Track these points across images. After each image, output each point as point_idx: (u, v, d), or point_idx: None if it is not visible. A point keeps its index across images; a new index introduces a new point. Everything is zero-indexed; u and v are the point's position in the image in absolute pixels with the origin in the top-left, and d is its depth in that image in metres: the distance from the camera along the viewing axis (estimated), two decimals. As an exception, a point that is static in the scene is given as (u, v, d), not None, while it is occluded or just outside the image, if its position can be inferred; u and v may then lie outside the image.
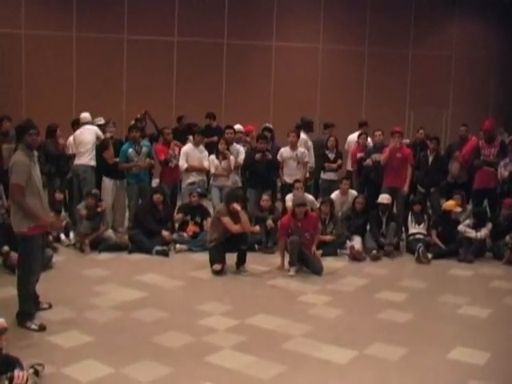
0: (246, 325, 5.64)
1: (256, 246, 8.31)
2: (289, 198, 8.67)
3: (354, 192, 9.31)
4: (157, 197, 8.44)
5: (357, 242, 8.42)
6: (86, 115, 9.45)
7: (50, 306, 5.80)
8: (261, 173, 9.06)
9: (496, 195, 9.43)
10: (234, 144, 9.40)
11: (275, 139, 10.58)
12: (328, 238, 8.32)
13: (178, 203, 9.39)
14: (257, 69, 14.92)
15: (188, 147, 9.25)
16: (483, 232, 8.35)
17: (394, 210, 9.09)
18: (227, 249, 7.36)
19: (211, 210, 8.75)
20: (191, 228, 8.51)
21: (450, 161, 9.92)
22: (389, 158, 9.01)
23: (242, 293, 6.75)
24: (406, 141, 10.39)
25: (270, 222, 8.39)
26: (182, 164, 9.05)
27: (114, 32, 14.12)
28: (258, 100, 14.56)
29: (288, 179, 9.11)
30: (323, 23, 15.08)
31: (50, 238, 7.81)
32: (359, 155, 9.97)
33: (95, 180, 9.09)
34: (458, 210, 8.72)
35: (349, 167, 10.56)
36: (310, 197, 8.90)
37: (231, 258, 7.45)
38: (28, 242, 5.27)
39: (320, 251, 7.87)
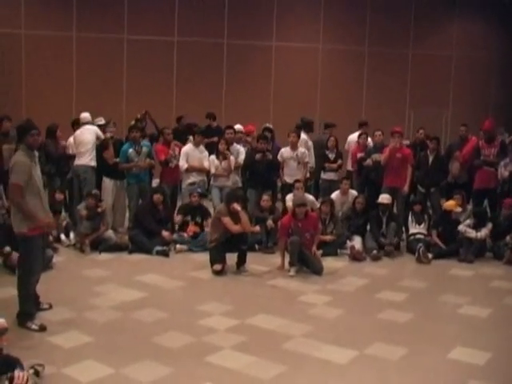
0: (246, 325, 5.64)
1: (256, 246, 8.31)
2: (289, 198, 8.67)
3: (354, 192, 9.31)
4: (157, 197, 8.44)
5: (357, 242, 8.42)
6: (85, 115, 9.44)
7: (51, 307, 5.80)
8: (261, 173, 9.06)
9: (496, 195, 9.43)
10: (235, 144, 9.40)
11: (275, 139, 10.58)
12: (328, 238, 8.32)
13: (179, 203, 9.39)
14: (257, 69, 14.92)
15: (188, 147, 9.25)
16: (483, 232, 8.35)
17: (395, 210, 9.09)
18: (227, 249, 7.36)
19: (211, 211, 8.74)
20: (191, 228, 8.51)
21: (450, 161, 9.92)
22: (389, 158, 9.02)
23: (242, 293, 6.75)
24: (406, 142, 10.39)
25: (270, 222, 8.39)
26: (183, 164, 9.04)
27: (114, 32, 14.12)
28: (258, 100, 14.56)
29: (288, 179, 9.11)
30: (323, 23, 15.08)
31: (51, 238, 7.79)
32: (359, 155, 9.97)
33: (95, 180, 9.09)
34: (459, 210, 8.72)
35: (349, 167, 10.56)
36: (310, 197, 8.90)
37: (231, 258, 7.45)
38: (28, 242, 5.27)
39: (320, 251, 7.87)
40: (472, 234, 8.33)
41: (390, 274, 7.67)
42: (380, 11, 15.08)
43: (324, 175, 10.11)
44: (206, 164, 9.12)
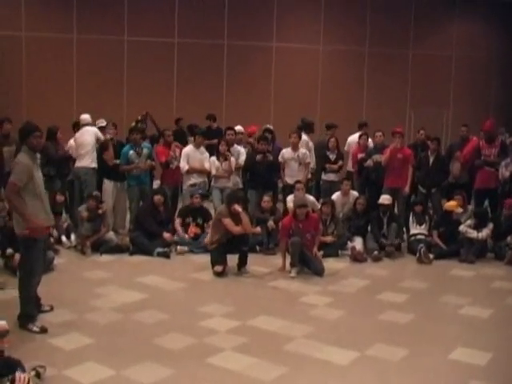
0: (247, 326, 5.64)
1: (257, 248, 8.31)
2: (290, 199, 8.66)
3: (355, 193, 9.31)
4: (157, 198, 8.44)
5: (358, 243, 8.41)
6: (85, 117, 9.44)
7: (52, 308, 5.80)
8: (262, 174, 9.05)
9: (497, 195, 9.43)
10: (235, 145, 9.40)
11: (276, 140, 10.58)
12: (329, 239, 8.31)
13: (180, 205, 9.39)
14: (257, 70, 14.93)
15: (189, 149, 9.25)
16: (484, 232, 8.35)
17: (395, 210, 9.09)
18: (228, 250, 7.36)
19: (212, 212, 8.74)
20: (192, 229, 8.51)
21: (450, 161, 9.91)
22: (390, 159, 9.02)
23: (243, 294, 6.75)
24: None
25: (271, 223, 8.39)
26: (183, 166, 9.04)
27: (114, 33, 14.13)
28: (258, 101, 14.57)
29: (289, 180, 9.10)
30: (323, 24, 15.09)
31: (52, 240, 7.81)
32: (360, 156, 9.97)
33: (96, 182, 9.09)
34: (460, 210, 8.71)
35: (350, 168, 10.56)
36: (311, 198, 8.90)
37: (232, 260, 7.45)
38: (29, 243, 5.27)
39: (321, 252, 7.87)
40: (473, 234, 8.33)
41: (391, 274, 7.67)
42: (380, 11, 15.09)
43: (325, 176, 10.09)
44: (206, 165, 9.12)
